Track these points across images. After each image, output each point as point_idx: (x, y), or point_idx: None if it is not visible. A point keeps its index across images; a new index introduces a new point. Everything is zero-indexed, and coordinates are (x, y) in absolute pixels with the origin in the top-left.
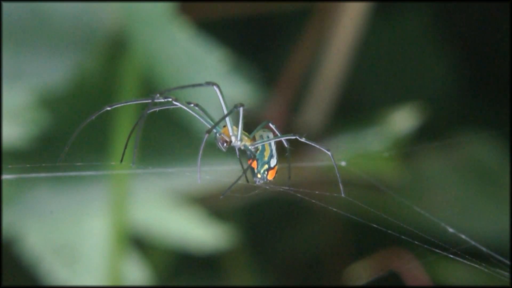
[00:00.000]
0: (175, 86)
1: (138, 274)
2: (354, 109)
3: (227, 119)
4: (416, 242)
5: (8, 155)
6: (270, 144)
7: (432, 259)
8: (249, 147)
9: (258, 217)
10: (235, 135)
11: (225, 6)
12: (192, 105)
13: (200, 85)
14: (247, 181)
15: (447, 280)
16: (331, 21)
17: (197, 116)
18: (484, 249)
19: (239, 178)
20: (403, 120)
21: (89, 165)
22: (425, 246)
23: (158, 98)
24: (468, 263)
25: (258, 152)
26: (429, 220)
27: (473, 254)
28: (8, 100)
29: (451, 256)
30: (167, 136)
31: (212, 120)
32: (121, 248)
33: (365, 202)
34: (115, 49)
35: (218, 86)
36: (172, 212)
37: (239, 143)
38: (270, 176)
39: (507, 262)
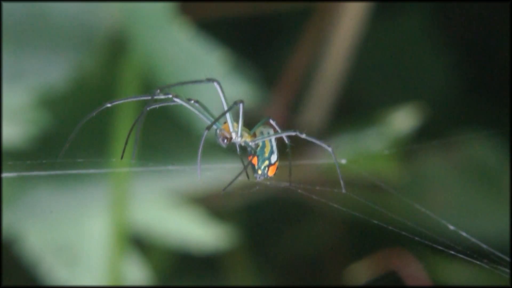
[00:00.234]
0: (176, 82)
1: (138, 274)
2: (354, 109)
3: (228, 115)
4: (416, 238)
5: (8, 155)
6: (270, 141)
7: (432, 259)
8: (250, 143)
9: (258, 217)
10: (236, 132)
11: (225, 6)
12: (192, 101)
13: (200, 81)
14: (248, 177)
15: (447, 280)
16: (331, 21)
17: (197, 112)
18: (484, 246)
19: (239, 174)
20: (403, 120)
21: (90, 161)
22: (426, 242)
23: (158, 94)
24: (469, 259)
25: (259, 148)
26: (429, 218)
27: (474, 253)
28: (8, 100)
29: (452, 252)
30: (167, 136)
31: (212, 117)
32: (121, 248)
33: (366, 200)
34: (115, 49)
35: (218, 83)
36: (172, 212)
37: (239, 139)
38: (271, 172)
39: (507, 259)
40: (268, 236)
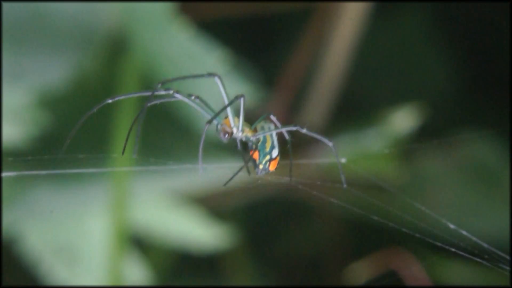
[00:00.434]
0: (177, 77)
1: (138, 274)
2: (354, 109)
3: (228, 110)
4: (417, 235)
5: (8, 155)
6: (271, 135)
7: (432, 258)
8: (251, 138)
9: (258, 217)
10: (237, 126)
11: (225, 6)
12: (193, 97)
13: (201, 75)
14: (249, 172)
15: (447, 280)
16: (331, 21)
17: (198, 108)
18: (485, 244)
19: (241, 169)
20: (403, 120)
21: (90, 159)
22: (426, 239)
23: (159, 89)
24: (469, 256)
25: (260, 143)
26: (429, 217)
27: (473, 252)
28: (8, 100)
29: (453, 249)
30: (168, 136)
31: (213, 112)
32: (121, 248)
33: (365, 199)
34: (115, 49)
35: (219, 77)
36: (172, 212)
37: (240, 134)
38: (272, 167)
39: (507, 257)
40: (268, 236)
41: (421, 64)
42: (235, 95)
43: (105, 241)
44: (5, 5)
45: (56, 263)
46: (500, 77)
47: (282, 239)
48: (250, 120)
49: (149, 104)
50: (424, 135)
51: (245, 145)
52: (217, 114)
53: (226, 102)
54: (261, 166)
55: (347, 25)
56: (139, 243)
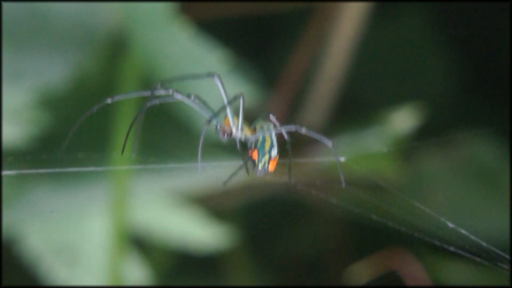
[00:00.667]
0: (176, 77)
1: (138, 274)
2: (354, 109)
3: (228, 110)
4: (416, 234)
5: (8, 155)
6: (270, 135)
7: (432, 258)
8: (250, 138)
9: (258, 217)
10: (236, 126)
11: (225, 6)
12: (192, 97)
13: (201, 75)
14: (248, 172)
15: (447, 280)
16: (331, 21)
17: (197, 108)
18: (484, 243)
19: (239, 168)
20: (403, 120)
21: (90, 158)
22: (425, 238)
23: (158, 89)
24: (468, 255)
25: (259, 143)
26: (429, 217)
27: (473, 252)
28: (8, 100)
29: (451, 249)
30: (167, 136)
31: (212, 112)
32: (121, 248)
33: (365, 199)
34: (115, 49)
35: (219, 77)
36: (172, 212)
37: (239, 133)
38: (271, 167)
39: (507, 256)
40: (268, 236)
41: (421, 64)
42: (234, 95)
43: (105, 241)
44: (5, 5)
45: (56, 263)
46: (500, 77)
47: (282, 239)
48: (250, 119)
49: (148, 104)
50: (424, 135)
51: (244, 145)
52: (216, 113)
53: (225, 101)
54: (260, 166)
55: (347, 25)
56: (139, 243)
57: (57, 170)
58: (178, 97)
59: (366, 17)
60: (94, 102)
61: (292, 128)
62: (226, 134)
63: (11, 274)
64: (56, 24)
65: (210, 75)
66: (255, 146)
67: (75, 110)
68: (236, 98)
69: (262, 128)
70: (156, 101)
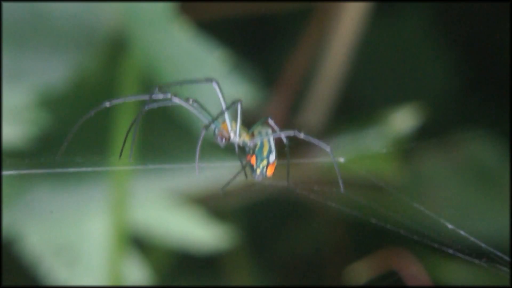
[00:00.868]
0: (174, 82)
1: (138, 274)
2: (354, 109)
3: (226, 115)
4: (415, 237)
5: (8, 155)
6: (269, 140)
7: (432, 258)
8: (248, 143)
9: (258, 217)
10: (234, 131)
11: (225, 6)
12: (190, 101)
13: (199, 81)
14: (246, 177)
15: (447, 280)
16: (331, 21)
17: (195, 112)
18: (483, 244)
19: (238, 173)
20: (403, 120)
21: (89, 161)
22: (424, 240)
23: (156, 93)
24: (467, 258)
25: (257, 148)
26: (428, 218)
27: (472, 252)
28: (8, 100)
29: (450, 251)
30: (167, 136)
31: (211, 116)
32: (121, 248)
33: (364, 200)
34: (115, 49)
35: (217, 82)
36: (172, 212)
37: (238, 139)
38: (269, 172)
39: (507, 258)
40: (268, 236)
41: (421, 64)
42: (233, 98)
43: (105, 241)
44: (5, 5)
45: (56, 263)
46: (500, 77)
47: (282, 239)
48: (249, 123)
49: (146, 108)
50: (424, 135)
51: (242, 149)
52: (214, 119)
53: (224, 107)
54: (258, 171)
55: (347, 25)
56: (139, 243)
57: (57, 170)
58: (177, 101)
59: (366, 17)
60: (94, 103)
61: (291, 133)
62: (224, 139)
63: (11, 274)
64: (56, 24)
65: (208, 80)
66: (253, 151)
67: (75, 110)
68: (234, 103)
69: (260, 133)
70: (155, 105)
